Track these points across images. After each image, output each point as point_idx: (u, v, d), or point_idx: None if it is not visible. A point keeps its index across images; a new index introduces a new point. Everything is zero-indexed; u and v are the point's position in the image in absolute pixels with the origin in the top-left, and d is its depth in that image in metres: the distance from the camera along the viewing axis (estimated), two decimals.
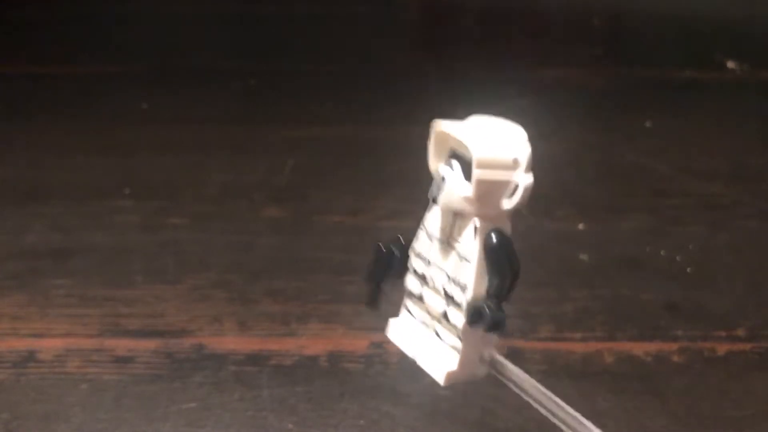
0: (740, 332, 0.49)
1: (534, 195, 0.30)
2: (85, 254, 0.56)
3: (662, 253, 0.56)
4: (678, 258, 0.56)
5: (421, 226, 0.32)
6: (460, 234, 0.30)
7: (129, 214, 0.60)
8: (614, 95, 0.81)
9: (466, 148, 0.29)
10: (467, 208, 0.29)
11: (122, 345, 0.48)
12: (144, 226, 0.59)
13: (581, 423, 0.31)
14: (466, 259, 0.30)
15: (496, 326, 0.29)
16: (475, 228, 0.30)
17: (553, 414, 0.31)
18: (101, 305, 0.51)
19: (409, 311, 0.33)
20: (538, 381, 0.45)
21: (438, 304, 0.32)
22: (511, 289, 0.30)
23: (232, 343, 0.48)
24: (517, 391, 0.32)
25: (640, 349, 0.48)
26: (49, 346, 0.47)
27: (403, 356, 0.46)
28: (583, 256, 0.55)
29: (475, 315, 0.30)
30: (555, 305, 0.51)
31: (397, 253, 0.33)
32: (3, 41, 0.90)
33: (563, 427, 0.31)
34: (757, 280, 0.54)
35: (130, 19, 0.97)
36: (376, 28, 0.95)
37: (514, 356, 0.47)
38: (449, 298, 0.31)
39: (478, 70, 0.84)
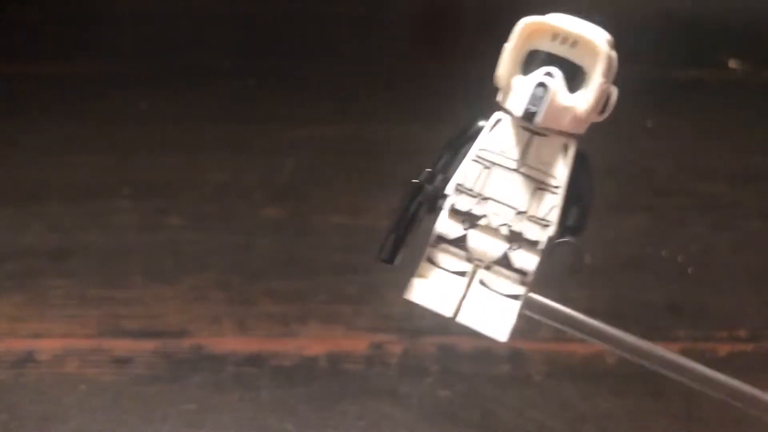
0: (742, 333, 0.49)
1: None
2: (84, 254, 0.56)
3: (663, 253, 0.56)
4: (679, 258, 0.56)
5: (473, 155, 0.26)
6: (539, 158, 0.25)
7: (128, 214, 0.60)
8: None
9: (576, 46, 0.25)
10: (564, 124, 0.25)
11: (121, 345, 0.47)
12: (143, 226, 0.59)
13: (630, 340, 0.29)
14: (550, 189, 0.26)
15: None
16: (566, 149, 0.25)
17: (598, 337, 0.28)
18: (100, 306, 0.51)
19: (434, 263, 0.27)
20: (539, 382, 0.45)
21: (494, 246, 0.26)
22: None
23: (231, 343, 0.48)
24: (553, 324, 0.29)
25: None
26: (48, 346, 0.47)
27: (403, 355, 0.47)
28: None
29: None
30: None
31: (431, 191, 0.27)
32: (3, 41, 0.89)
33: (613, 348, 0.29)
34: (759, 280, 0.54)
35: (130, 19, 0.96)
36: (375, 28, 0.94)
37: (515, 357, 0.47)
38: (516, 237, 0.26)
39: (478, 70, 0.84)
